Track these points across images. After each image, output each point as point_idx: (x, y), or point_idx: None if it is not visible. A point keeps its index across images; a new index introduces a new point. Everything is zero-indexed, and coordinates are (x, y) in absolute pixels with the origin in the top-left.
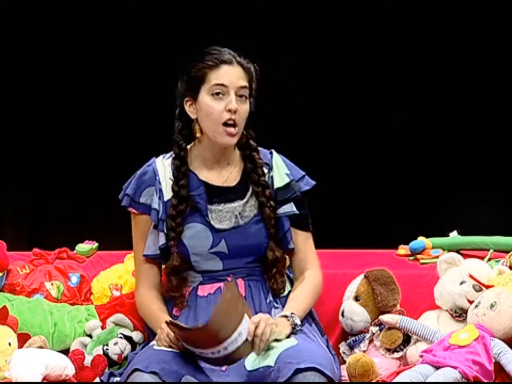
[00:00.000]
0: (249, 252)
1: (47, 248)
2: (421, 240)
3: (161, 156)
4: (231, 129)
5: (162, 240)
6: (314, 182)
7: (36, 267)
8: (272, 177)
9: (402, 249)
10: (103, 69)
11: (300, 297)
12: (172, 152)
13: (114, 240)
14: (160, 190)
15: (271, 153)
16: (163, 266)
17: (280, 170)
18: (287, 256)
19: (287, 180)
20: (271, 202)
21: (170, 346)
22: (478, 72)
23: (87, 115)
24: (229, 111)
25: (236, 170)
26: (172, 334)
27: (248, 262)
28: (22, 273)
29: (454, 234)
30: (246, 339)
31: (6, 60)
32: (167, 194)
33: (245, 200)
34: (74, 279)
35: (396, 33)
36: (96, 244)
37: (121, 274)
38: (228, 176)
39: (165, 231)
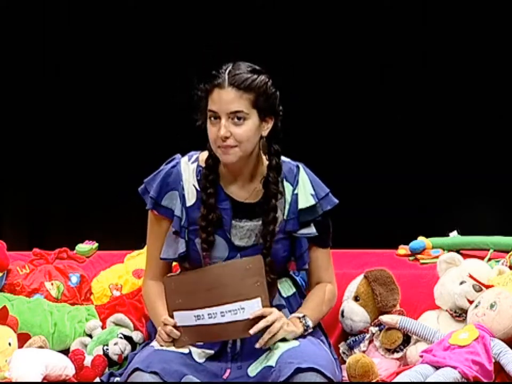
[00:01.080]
0: None
1: (47, 248)
2: (421, 240)
3: (186, 157)
4: (225, 149)
5: (182, 247)
6: (337, 201)
7: (36, 267)
8: (296, 194)
9: (402, 249)
10: (103, 69)
11: (315, 306)
12: (196, 156)
13: (114, 240)
14: (183, 195)
15: (297, 167)
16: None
17: (306, 190)
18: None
19: (312, 202)
20: (272, 214)
21: (172, 342)
22: (478, 72)
23: (87, 115)
24: (220, 137)
25: (260, 185)
26: (172, 329)
27: None
28: (22, 273)
29: (454, 234)
30: (247, 319)
31: (6, 59)
32: (189, 200)
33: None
34: (74, 279)
35: (396, 33)
36: (96, 244)
37: (121, 274)
38: (252, 192)
39: (186, 238)
